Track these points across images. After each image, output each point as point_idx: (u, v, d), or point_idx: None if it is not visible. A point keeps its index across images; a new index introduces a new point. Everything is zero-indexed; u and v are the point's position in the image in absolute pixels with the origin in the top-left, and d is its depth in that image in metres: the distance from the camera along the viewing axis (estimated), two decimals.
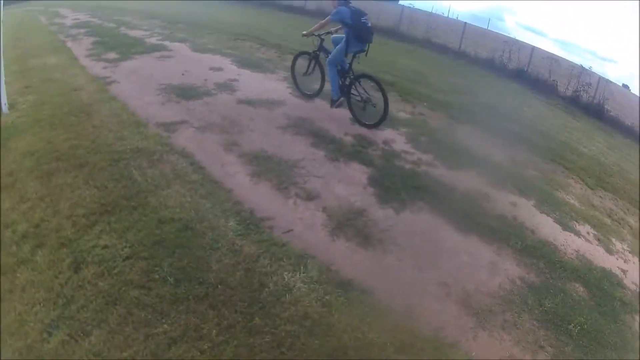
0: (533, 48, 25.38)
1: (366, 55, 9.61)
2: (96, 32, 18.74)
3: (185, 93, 10.51)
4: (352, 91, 9.88)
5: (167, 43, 16.34)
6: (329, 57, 9.92)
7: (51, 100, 10.16)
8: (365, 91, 9.77)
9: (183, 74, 12.04)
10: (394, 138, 9.12)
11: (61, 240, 5.57)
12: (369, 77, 9.72)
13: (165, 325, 4.41)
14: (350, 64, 9.85)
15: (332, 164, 7.73)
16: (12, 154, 7.65)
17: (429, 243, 6.12)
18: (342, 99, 10.04)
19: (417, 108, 11.43)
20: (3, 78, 9.44)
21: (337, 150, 8.20)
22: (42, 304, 4.67)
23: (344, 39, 9.51)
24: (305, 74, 10.99)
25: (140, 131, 8.37)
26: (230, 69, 12.87)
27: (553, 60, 24.74)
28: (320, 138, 8.60)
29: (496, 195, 7.72)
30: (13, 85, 10.41)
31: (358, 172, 7.56)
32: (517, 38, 28.43)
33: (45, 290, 4.84)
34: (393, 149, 8.65)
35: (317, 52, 10.51)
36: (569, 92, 22.61)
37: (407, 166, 8.02)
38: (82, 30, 19.21)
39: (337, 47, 9.65)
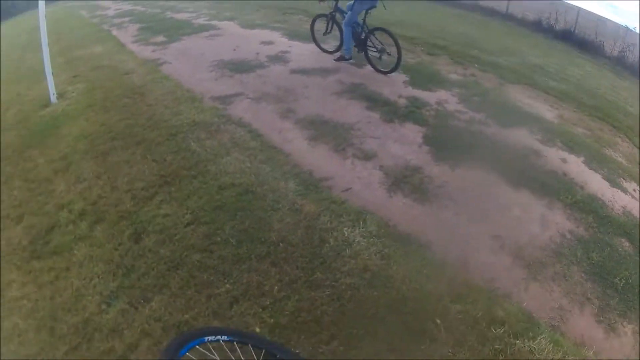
0: (579, 9, 25.07)
1: (385, 8, 10.05)
2: (141, 18, 18.96)
3: (238, 67, 10.63)
4: (368, 43, 10.45)
5: (215, 22, 16.36)
6: (345, 19, 10.53)
7: (102, 85, 10.41)
8: (380, 42, 10.28)
9: (234, 50, 12.15)
10: (446, 99, 9.17)
11: (120, 214, 5.80)
12: (382, 29, 10.24)
13: (227, 285, 4.59)
14: (364, 19, 10.43)
15: (387, 125, 7.81)
16: (64, 140, 7.90)
17: (483, 198, 6.20)
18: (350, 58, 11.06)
19: (468, 70, 11.43)
20: (49, 69, 9.70)
21: (391, 112, 8.25)
22: (100, 277, 4.88)
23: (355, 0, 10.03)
24: (325, 33, 11.65)
25: (196, 106, 8.54)
26: (281, 42, 12.91)
27: (599, 21, 24.45)
28: (374, 101, 8.66)
29: (546, 152, 7.68)
30: (60, 76, 10.66)
31: (413, 132, 7.63)
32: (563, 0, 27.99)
33: (104, 263, 5.06)
34: (446, 109, 8.69)
35: (333, 13, 11.14)
36: (615, 53, 22.33)
37: (461, 125, 8.07)
38: (127, 19, 19.44)
39: (351, 9, 10.22)
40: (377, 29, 10.36)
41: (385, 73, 10.54)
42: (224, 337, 3.45)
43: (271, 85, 9.44)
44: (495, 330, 4.22)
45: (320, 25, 11.86)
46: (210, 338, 3.43)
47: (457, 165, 6.78)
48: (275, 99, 8.73)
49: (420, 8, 20.57)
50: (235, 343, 3.48)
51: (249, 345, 3.49)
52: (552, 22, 23.82)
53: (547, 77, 12.90)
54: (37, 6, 9.55)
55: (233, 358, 3.39)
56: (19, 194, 6.69)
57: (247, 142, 7.11)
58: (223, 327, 4.18)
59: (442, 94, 9.39)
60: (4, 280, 5.17)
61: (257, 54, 11.69)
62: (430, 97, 9.16)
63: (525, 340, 4.16)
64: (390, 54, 10.20)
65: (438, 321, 4.25)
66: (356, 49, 10.90)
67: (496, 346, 4.09)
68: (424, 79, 10.12)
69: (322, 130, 7.51)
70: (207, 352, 3.32)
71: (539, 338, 4.19)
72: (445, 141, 7.35)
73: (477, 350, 4.04)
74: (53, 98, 9.84)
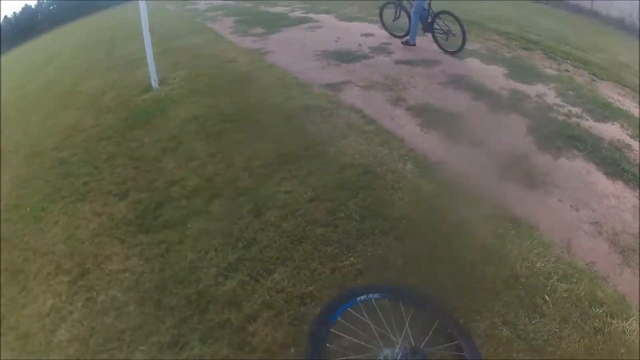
0: None
1: None
2: (234, 12, 19.33)
3: (343, 57, 10.78)
4: (435, 26, 11.12)
5: (312, 15, 16.46)
6: (413, 8, 11.25)
7: (205, 72, 10.70)
8: (446, 24, 10.91)
9: (336, 41, 12.28)
10: (545, 92, 9.13)
11: (238, 190, 5.96)
12: (447, 12, 10.88)
13: (351, 258, 4.68)
14: (429, 4, 11.10)
15: (493, 115, 7.87)
16: (172, 121, 8.18)
17: (583, 186, 6.25)
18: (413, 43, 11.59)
19: (562, 65, 11.31)
20: (151, 56, 10.02)
21: (496, 102, 8.29)
22: (217, 250, 5.00)
23: None
24: (394, 20, 12.17)
25: (306, 91, 8.73)
26: (381, 34, 12.83)
27: None
28: (479, 92, 8.70)
29: (637, 147, 7.63)
30: (160, 63, 10.83)
31: (517, 122, 7.67)
32: None
33: (222, 236, 5.18)
34: (546, 102, 8.67)
35: (401, 1, 11.85)
36: None
37: (560, 118, 8.06)
38: (220, 12, 19.88)
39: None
40: (442, 12, 10.94)
41: (452, 53, 11.01)
42: (376, 295, 3.60)
43: (378, 74, 9.55)
44: (595, 310, 4.30)
45: (389, 12, 12.25)
46: (361, 297, 3.58)
47: (559, 155, 6.85)
48: (384, 87, 8.85)
49: (510, 4, 20.29)
50: (386, 300, 3.63)
51: (400, 302, 3.64)
52: (634, 20, 23.22)
53: (634, 76, 12.54)
54: (116, 4, 9.89)
55: (382, 316, 3.53)
56: (124, 172, 6.94)
57: (362, 126, 7.26)
58: (375, 284, 4.24)
59: (540, 87, 9.35)
60: (103, 253, 5.34)
61: (360, 45, 11.78)
62: (529, 89, 9.14)
63: (620, 321, 4.22)
64: (455, 35, 10.73)
65: (547, 298, 4.36)
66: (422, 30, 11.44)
67: (595, 324, 4.16)
68: (522, 72, 10.09)
69: (432, 117, 7.62)
70: (356, 314, 3.51)
71: (630, 320, 4.26)
72: (547, 132, 7.37)
73: (579, 327, 4.12)
74: (154, 84, 10.17)
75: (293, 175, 6.11)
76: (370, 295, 3.68)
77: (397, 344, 3.48)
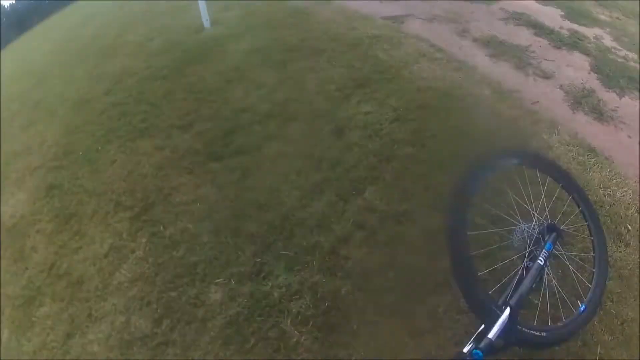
0: None
1: None
2: None
3: None
4: None
5: None
6: None
7: (260, 10, 10.27)
8: None
9: None
10: (601, 35, 8.79)
11: (315, 113, 5.65)
12: None
13: (444, 177, 4.34)
14: None
15: (557, 51, 7.55)
16: (232, 55, 7.86)
17: None
18: None
19: (613, 13, 10.83)
20: None
21: (558, 39, 7.96)
22: (299, 173, 4.70)
23: None
24: None
25: (369, 23, 8.34)
26: None
27: None
28: (540, 29, 8.35)
29: None
30: (209, 5, 10.26)
31: (580, 60, 7.36)
32: None
33: (302, 158, 4.90)
34: (604, 43, 8.36)
35: None
36: None
37: (619, 60, 7.74)
38: None
39: None
40: None
41: None
42: (514, 161, 3.33)
43: (438, 8, 9.15)
44: None
45: None
46: (500, 162, 3.30)
47: (623, 94, 6.52)
48: (447, 20, 8.50)
49: None
50: (523, 167, 3.37)
51: (537, 170, 3.38)
52: None
53: None
54: None
55: (520, 184, 3.28)
56: (185, 105, 6.64)
57: (433, 53, 6.94)
58: (514, 149, 3.81)
59: (597, 31, 9.00)
60: (169, 185, 5.09)
61: None
62: (587, 31, 8.79)
63: None
64: None
65: (629, 227, 4.17)
66: None
67: None
68: (578, 15, 9.72)
69: (499, 49, 7.30)
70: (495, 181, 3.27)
71: None
72: (609, 71, 7.09)
73: None
74: (207, 23, 9.80)
75: (371, 97, 5.83)
76: (511, 159, 3.40)
77: (534, 217, 3.21)
